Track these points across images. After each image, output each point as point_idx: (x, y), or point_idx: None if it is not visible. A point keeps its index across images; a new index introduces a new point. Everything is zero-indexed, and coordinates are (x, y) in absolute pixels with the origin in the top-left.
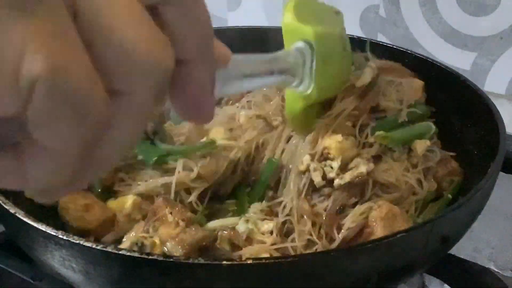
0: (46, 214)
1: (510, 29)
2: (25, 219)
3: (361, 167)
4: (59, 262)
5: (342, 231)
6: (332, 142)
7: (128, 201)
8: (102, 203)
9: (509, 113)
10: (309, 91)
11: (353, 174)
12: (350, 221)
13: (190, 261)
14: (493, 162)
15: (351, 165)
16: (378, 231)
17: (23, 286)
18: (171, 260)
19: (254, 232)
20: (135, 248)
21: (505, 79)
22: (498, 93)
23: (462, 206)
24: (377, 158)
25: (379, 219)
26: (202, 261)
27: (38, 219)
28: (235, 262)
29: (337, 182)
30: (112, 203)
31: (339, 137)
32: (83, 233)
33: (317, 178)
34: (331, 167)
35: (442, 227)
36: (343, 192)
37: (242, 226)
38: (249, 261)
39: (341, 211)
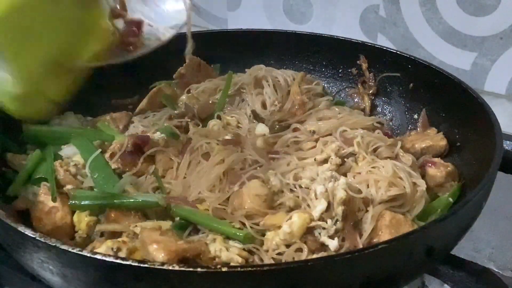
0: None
1: (510, 29)
2: (6, 220)
3: (338, 193)
4: (38, 264)
5: (363, 235)
6: (273, 239)
7: (83, 220)
8: (67, 212)
9: (509, 113)
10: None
11: (339, 203)
12: (368, 225)
13: (165, 267)
14: (483, 178)
15: (322, 198)
16: (386, 238)
17: (23, 286)
18: (145, 265)
19: (223, 251)
20: (111, 253)
21: (505, 79)
22: (498, 93)
23: (447, 218)
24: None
25: (384, 227)
26: (176, 267)
27: (25, 222)
28: (209, 270)
29: (339, 224)
30: (77, 216)
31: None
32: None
33: (331, 243)
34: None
35: (427, 239)
36: (347, 220)
37: (212, 247)
38: (224, 269)
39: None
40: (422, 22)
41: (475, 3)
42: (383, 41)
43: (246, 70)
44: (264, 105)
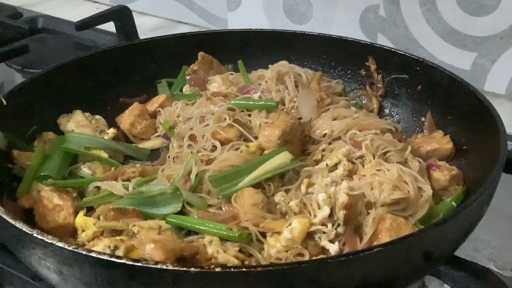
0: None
1: (510, 29)
2: (5, 216)
3: (340, 197)
4: (36, 261)
5: (363, 239)
6: (274, 245)
7: (89, 227)
8: (71, 212)
9: (509, 113)
10: None
11: (340, 207)
12: (369, 229)
13: (158, 266)
14: (485, 183)
15: (326, 199)
16: (386, 241)
17: (23, 286)
18: (139, 264)
19: (219, 253)
20: (108, 251)
21: (505, 79)
22: (498, 93)
23: (446, 222)
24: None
25: (385, 230)
26: (170, 267)
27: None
28: (203, 270)
29: (340, 228)
30: (79, 218)
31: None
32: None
33: (331, 247)
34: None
35: (424, 243)
36: (348, 225)
37: (209, 248)
38: (217, 269)
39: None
40: (422, 22)
41: (475, 3)
42: (383, 41)
43: (253, 71)
44: (282, 102)
